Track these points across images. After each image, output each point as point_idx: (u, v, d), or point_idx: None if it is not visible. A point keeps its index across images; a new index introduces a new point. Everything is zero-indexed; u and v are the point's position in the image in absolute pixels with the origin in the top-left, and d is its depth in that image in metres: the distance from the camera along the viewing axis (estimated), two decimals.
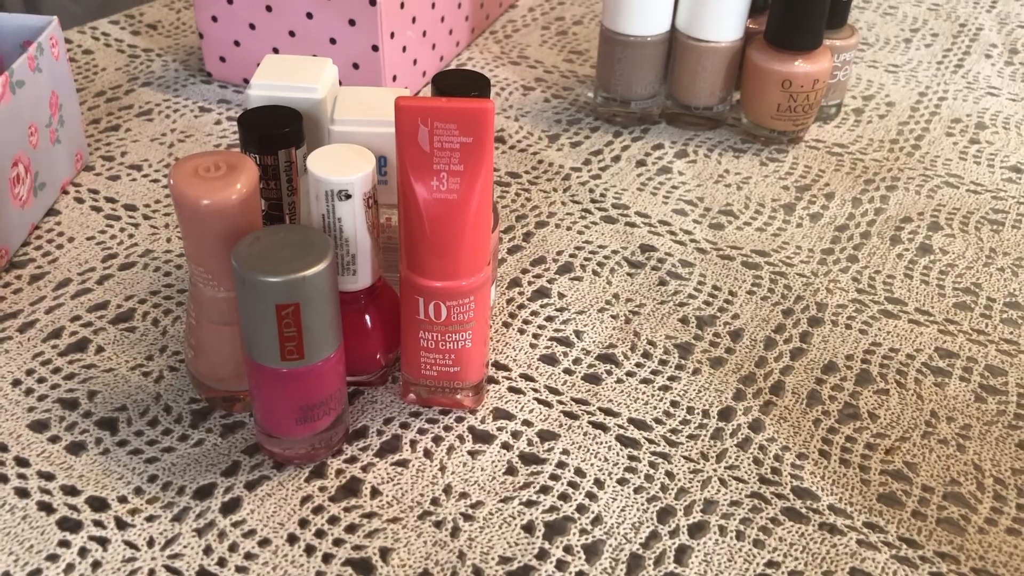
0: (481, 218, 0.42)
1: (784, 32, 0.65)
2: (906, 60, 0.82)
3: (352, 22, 0.67)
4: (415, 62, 0.72)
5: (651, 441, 0.46)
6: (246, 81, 0.72)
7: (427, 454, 0.45)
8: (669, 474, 0.45)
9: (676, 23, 0.68)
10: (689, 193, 0.65)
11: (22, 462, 0.44)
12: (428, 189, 0.41)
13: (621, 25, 0.67)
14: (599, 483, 0.44)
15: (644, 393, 0.49)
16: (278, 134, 0.45)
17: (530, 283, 0.56)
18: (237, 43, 0.71)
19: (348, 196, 0.42)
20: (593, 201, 0.63)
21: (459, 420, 0.47)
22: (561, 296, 0.55)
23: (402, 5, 0.68)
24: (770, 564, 0.41)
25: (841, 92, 0.72)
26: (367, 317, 0.46)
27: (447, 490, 0.44)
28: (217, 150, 0.64)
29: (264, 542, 0.41)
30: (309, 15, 0.68)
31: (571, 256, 0.58)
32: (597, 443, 0.46)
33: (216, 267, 0.42)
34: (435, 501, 0.43)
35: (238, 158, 0.42)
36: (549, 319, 0.54)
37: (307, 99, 0.47)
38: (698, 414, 0.48)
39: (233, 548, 0.41)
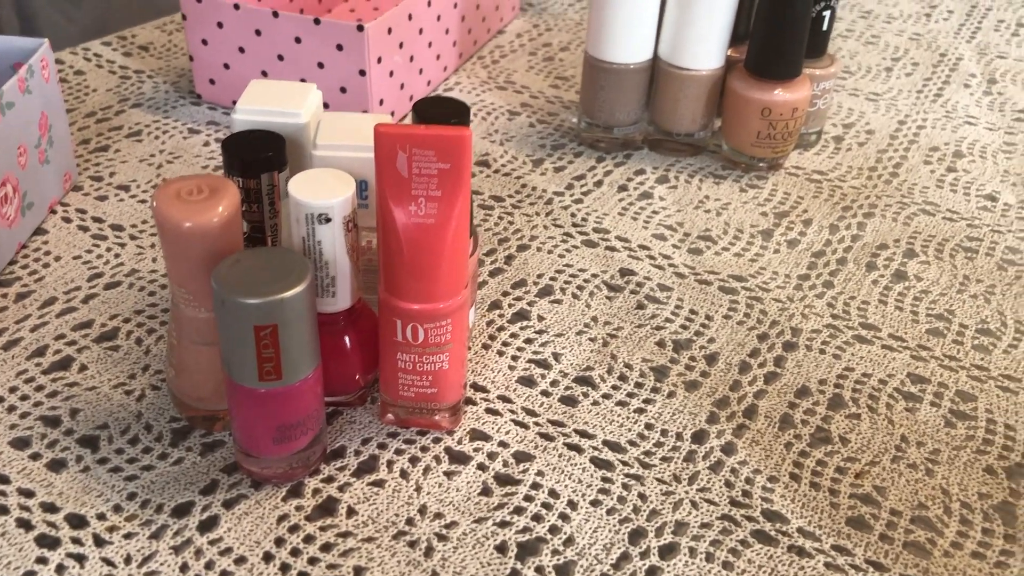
0: (458, 243, 0.43)
1: (764, 61, 0.67)
2: (887, 88, 0.84)
3: (340, 47, 0.68)
4: (402, 86, 0.73)
5: (625, 463, 0.47)
6: (235, 103, 0.73)
7: (403, 474, 0.46)
8: (642, 496, 0.46)
9: (658, 51, 0.69)
10: (669, 218, 0.66)
11: (2, 479, 0.45)
12: (406, 214, 0.42)
13: (604, 53, 0.69)
14: (572, 504, 0.45)
15: (619, 415, 0.50)
16: (261, 158, 0.46)
17: (510, 305, 0.57)
18: (227, 66, 0.73)
19: (328, 220, 0.43)
20: (575, 225, 0.64)
21: (436, 441, 0.48)
22: (540, 319, 0.56)
23: (389, 31, 0.69)
24: None
25: (821, 120, 0.74)
26: (346, 338, 0.46)
27: (422, 510, 0.44)
28: (200, 173, 0.65)
29: (240, 560, 0.42)
30: (297, 40, 0.69)
31: (551, 279, 0.59)
32: (572, 464, 0.47)
33: (197, 288, 0.43)
34: (410, 521, 0.44)
35: (220, 181, 0.42)
36: (528, 341, 0.54)
37: (290, 124, 0.48)
38: (672, 436, 0.49)
39: (209, 566, 0.41)
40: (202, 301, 0.43)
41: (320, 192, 0.43)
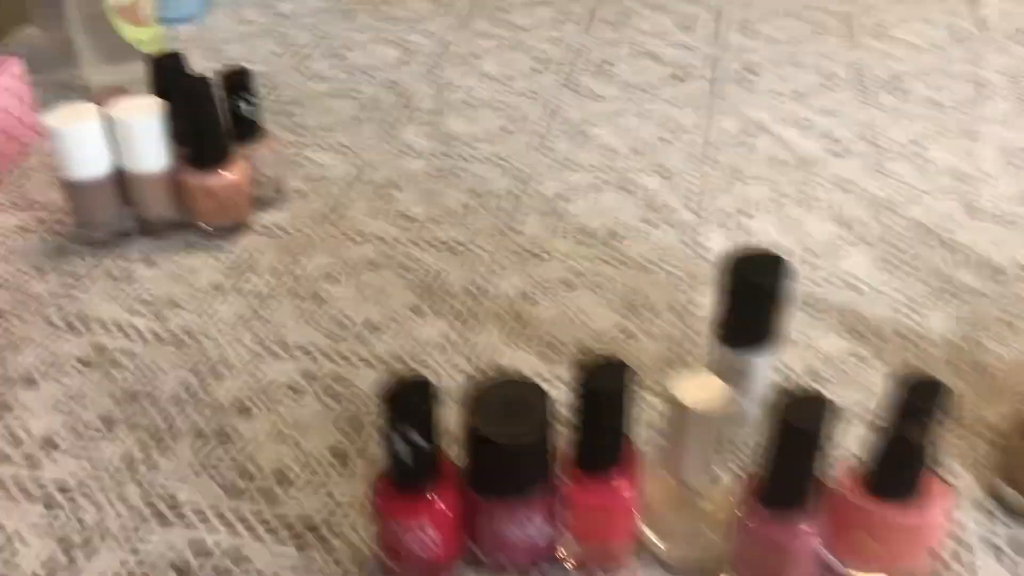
0: None
1: (197, 154, 0.85)
2: (351, 141, 1.05)
3: None
4: None
5: (70, 500, 0.63)
6: None
7: None
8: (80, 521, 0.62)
9: (118, 161, 0.86)
10: (148, 293, 0.82)
11: None
12: None
13: (71, 171, 0.84)
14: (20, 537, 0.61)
15: (90, 464, 0.66)
16: None
17: None
18: None
19: None
20: (68, 321, 0.79)
21: None
22: (22, 407, 0.71)
23: None
24: None
25: (278, 182, 0.93)
26: None
27: None
28: None
29: None
30: None
31: (37, 371, 0.74)
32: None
33: None
34: None
35: None
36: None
37: None
38: (109, 468, 0.65)
39: None
40: None
41: None
